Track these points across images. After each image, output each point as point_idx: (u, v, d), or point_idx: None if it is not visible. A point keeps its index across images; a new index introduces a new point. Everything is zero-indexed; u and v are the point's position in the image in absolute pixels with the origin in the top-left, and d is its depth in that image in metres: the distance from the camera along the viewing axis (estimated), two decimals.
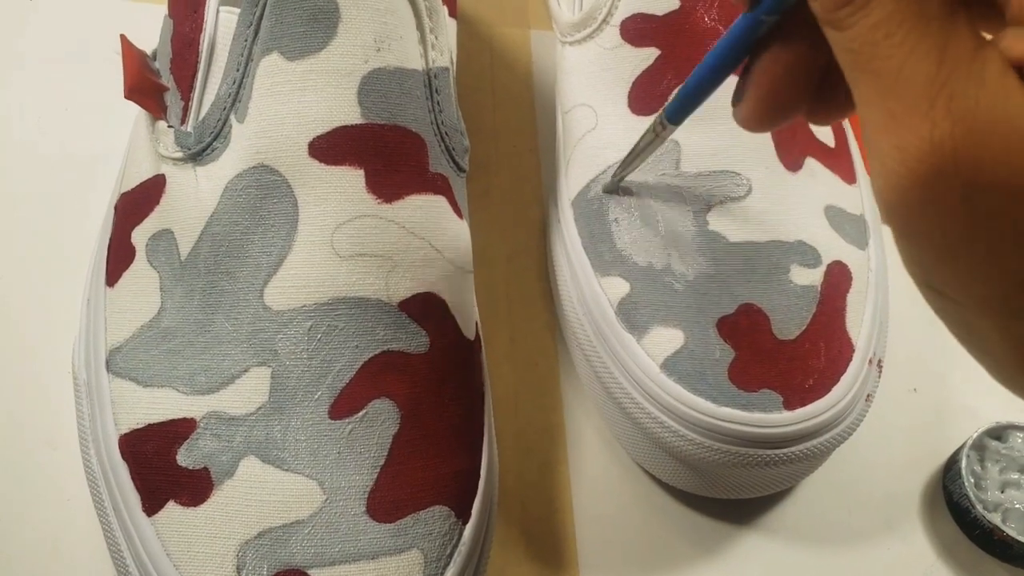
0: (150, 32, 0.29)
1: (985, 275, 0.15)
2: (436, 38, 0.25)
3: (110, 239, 0.26)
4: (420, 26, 0.25)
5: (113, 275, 0.25)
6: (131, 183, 0.26)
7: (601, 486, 0.29)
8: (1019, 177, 0.14)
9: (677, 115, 0.23)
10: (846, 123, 0.32)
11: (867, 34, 0.15)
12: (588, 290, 0.28)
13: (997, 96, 0.14)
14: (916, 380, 0.32)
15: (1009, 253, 0.14)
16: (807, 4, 0.16)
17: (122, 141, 0.29)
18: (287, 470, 0.21)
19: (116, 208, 0.26)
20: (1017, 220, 0.14)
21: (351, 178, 0.23)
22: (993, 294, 0.15)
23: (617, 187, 0.28)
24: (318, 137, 0.23)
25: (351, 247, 0.23)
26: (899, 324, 0.31)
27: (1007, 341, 0.15)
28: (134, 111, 0.28)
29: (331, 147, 0.23)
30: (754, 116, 0.19)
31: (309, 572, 0.20)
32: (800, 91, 0.19)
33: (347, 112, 0.23)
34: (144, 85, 0.26)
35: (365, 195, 0.23)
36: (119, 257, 0.25)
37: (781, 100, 0.19)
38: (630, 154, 0.26)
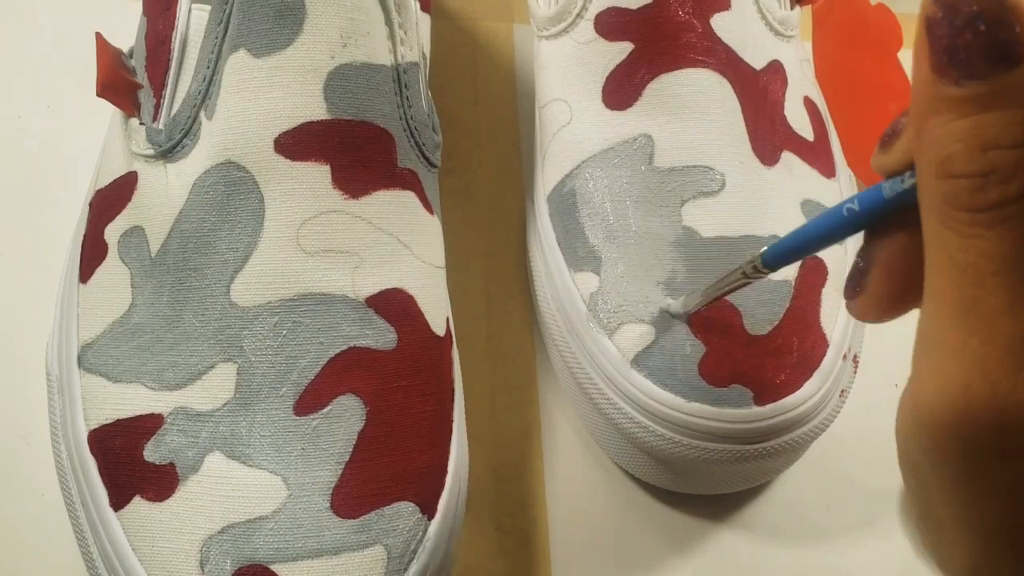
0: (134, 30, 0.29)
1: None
2: (405, 33, 0.25)
3: (84, 236, 0.26)
4: (388, 21, 0.25)
5: (86, 272, 0.25)
6: (105, 180, 0.26)
7: (576, 483, 0.29)
8: None
9: (776, 263, 0.21)
10: (826, 116, 0.32)
11: (977, 260, 0.14)
12: (561, 285, 0.28)
13: None
14: (896, 376, 0.32)
15: None
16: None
17: (101, 139, 0.29)
18: (251, 466, 0.22)
19: (91, 205, 0.27)
20: None
21: (317, 174, 0.23)
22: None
23: (688, 315, 0.25)
24: (284, 133, 0.23)
25: (317, 243, 0.23)
26: None
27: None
28: (113, 109, 0.28)
29: (297, 143, 0.23)
30: (877, 310, 0.17)
31: (272, 567, 0.21)
32: None
33: (313, 108, 0.23)
34: (117, 82, 0.26)
35: (331, 191, 0.23)
36: (92, 254, 0.25)
37: (910, 293, 0.17)
38: (712, 287, 0.24)
